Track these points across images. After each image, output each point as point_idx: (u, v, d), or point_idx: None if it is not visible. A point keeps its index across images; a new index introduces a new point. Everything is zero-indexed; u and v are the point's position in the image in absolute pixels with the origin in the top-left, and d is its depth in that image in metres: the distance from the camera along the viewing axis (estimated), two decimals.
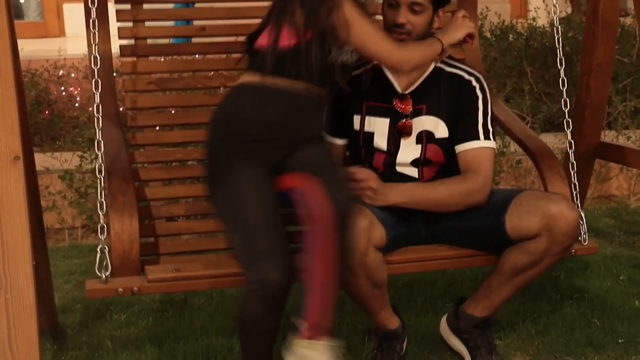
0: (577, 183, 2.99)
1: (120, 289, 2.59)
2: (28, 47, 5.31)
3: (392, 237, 2.71)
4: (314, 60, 2.55)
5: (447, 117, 2.85)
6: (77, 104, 5.71)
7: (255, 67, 2.63)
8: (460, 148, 2.84)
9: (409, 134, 2.86)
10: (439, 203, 2.80)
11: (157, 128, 3.21)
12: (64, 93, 5.86)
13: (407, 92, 2.88)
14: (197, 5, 3.65)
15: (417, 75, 2.88)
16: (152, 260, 2.84)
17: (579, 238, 2.89)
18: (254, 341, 2.57)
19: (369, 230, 2.59)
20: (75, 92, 5.83)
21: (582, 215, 2.91)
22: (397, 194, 2.79)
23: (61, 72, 6.06)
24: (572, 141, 3.05)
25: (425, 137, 2.86)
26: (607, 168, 5.08)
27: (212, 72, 3.27)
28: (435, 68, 2.88)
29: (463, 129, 2.84)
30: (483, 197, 2.80)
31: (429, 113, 2.86)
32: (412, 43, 2.76)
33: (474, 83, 2.87)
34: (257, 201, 2.52)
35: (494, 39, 6.10)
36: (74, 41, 7.92)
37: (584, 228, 2.91)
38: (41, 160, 4.55)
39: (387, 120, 2.87)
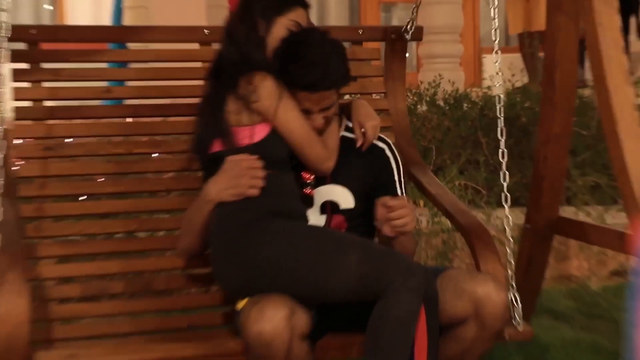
0: (512, 262, 2.80)
1: None
2: None
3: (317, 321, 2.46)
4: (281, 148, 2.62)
5: (357, 187, 2.78)
6: None
7: None
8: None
9: (311, 204, 2.72)
10: None
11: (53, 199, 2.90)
12: None
13: None
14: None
15: None
16: (43, 347, 2.49)
17: (513, 322, 2.70)
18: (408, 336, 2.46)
19: (291, 319, 2.30)
20: None
21: (516, 297, 2.72)
22: None
23: None
24: (509, 216, 2.86)
25: (329, 208, 2.77)
26: (567, 246, 4.87)
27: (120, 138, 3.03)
28: (341, 138, 2.78)
29: (383, 188, 2.79)
30: None
31: (334, 182, 2.74)
32: (327, 136, 2.73)
33: (388, 152, 2.84)
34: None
35: (447, 107, 5.87)
36: None
37: (518, 311, 2.71)
38: None
39: None
